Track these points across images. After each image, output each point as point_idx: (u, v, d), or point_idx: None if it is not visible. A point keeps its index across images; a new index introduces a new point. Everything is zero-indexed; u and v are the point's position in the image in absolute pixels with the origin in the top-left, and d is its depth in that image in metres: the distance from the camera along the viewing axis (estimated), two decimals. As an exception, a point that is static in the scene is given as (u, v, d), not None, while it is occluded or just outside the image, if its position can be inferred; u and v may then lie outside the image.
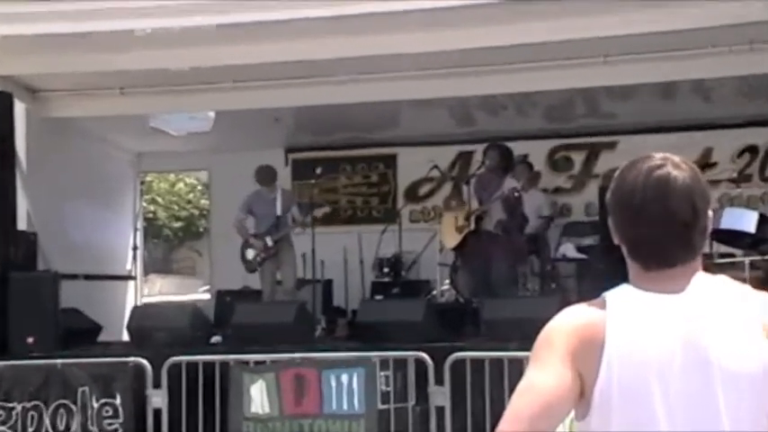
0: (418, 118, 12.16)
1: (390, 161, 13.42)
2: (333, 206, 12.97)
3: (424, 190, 13.16)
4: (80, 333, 9.57)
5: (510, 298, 9.31)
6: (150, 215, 29.40)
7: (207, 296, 14.89)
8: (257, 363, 8.08)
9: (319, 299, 10.98)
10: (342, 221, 13.29)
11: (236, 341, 8.93)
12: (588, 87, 10.33)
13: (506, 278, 9.85)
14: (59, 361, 8.22)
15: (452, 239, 10.32)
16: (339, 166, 13.48)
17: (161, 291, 28.37)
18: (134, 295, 12.43)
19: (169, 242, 34.17)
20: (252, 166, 10.96)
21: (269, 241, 10.56)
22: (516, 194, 9.66)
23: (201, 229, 31.36)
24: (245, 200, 10.83)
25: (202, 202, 30.25)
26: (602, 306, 2.24)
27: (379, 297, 11.39)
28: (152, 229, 29.87)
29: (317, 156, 13.09)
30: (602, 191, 10.65)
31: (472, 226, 9.96)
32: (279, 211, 10.66)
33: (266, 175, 10.75)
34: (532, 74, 9.56)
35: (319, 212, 10.76)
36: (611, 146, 12.48)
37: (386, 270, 12.12)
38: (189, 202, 32.26)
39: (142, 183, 14.22)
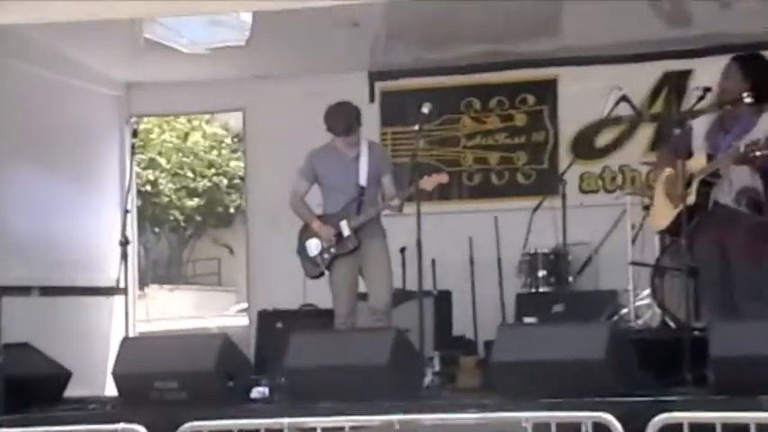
0: (592, 18, 12.10)
1: (547, 91, 13.40)
2: (451, 169, 12.92)
3: (604, 139, 13.11)
4: (36, 384, 9.66)
5: (761, 322, 9.12)
6: (148, 188, 29.76)
7: (244, 320, 14.97)
8: (328, 429, 8.07)
9: (430, 323, 11.00)
10: (467, 194, 13.34)
11: (293, 394, 9.02)
12: None
13: (756, 288, 9.65)
14: (3, 431, 8.30)
15: (664, 217, 10.10)
16: (461, 101, 13.50)
17: (167, 313, 28.71)
18: (124, 320, 12.49)
19: (179, 232, 34.56)
20: (317, 104, 10.94)
21: (345, 228, 10.61)
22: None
23: (232, 210, 31.69)
24: (308, 160, 10.89)
25: (233, 164, 30.56)
26: None
27: (529, 319, 11.41)
28: (152, 211, 30.25)
29: (423, 85, 13.13)
30: None
31: (692, 199, 9.70)
32: (362, 180, 10.69)
33: (342, 119, 10.73)
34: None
35: (429, 181, 10.68)
36: None
37: (541, 274, 12.21)
38: (211, 165, 32.57)
39: (134, 134, 14.23)
